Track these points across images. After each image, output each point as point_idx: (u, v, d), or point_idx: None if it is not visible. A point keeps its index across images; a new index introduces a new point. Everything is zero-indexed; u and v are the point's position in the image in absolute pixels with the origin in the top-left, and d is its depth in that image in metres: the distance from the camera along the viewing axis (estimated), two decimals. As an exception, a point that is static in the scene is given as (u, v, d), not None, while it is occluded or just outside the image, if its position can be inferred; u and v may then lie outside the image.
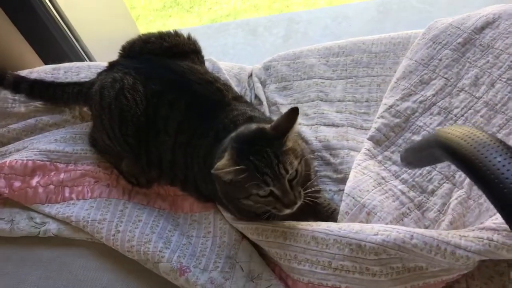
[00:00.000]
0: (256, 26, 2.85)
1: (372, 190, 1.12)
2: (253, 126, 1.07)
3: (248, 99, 1.52)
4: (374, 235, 0.97)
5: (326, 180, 1.29)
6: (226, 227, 1.22)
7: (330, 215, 1.19)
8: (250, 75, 1.62)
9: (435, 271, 0.96)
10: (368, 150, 1.21)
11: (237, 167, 0.98)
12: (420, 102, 1.25)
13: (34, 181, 1.36)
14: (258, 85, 1.56)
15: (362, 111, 1.38)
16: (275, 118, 1.41)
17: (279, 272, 1.12)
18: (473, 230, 0.95)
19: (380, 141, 1.23)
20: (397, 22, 2.51)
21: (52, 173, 1.38)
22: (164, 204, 1.33)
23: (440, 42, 1.30)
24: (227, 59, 1.67)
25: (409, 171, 1.17)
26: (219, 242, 1.20)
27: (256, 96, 1.54)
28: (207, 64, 1.55)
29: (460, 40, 1.28)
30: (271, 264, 1.14)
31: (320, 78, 1.49)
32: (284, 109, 1.46)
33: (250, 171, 0.99)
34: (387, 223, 1.05)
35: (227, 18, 3.23)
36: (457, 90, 1.23)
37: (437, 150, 0.79)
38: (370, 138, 1.23)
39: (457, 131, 0.74)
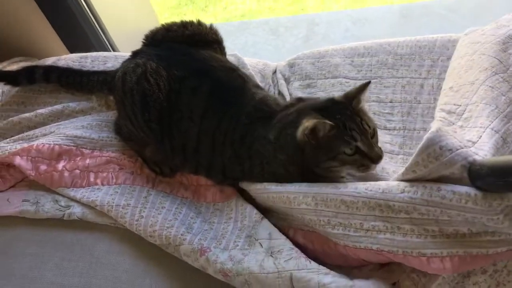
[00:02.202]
0: (277, 26, 2.86)
1: (461, 149, 0.97)
2: (322, 98, 1.18)
3: (271, 95, 1.54)
4: (401, 193, 0.97)
5: (349, 178, 1.29)
6: (247, 211, 1.23)
7: None
8: (274, 72, 1.64)
9: (481, 241, 0.92)
10: (443, 118, 1.10)
11: (331, 123, 1.03)
12: (479, 71, 1.14)
13: (60, 165, 1.39)
14: (282, 81, 1.58)
15: (386, 111, 1.39)
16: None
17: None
18: None
19: (452, 109, 1.12)
20: (419, 27, 2.51)
21: (78, 158, 1.41)
22: (186, 193, 1.36)
23: (479, 41, 1.25)
24: (248, 57, 1.69)
25: None
26: (240, 226, 1.22)
27: (280, 93, 1.56)
28: (232, 59, 1.57)
29: (498, 39, 1.22)
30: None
31: (344, 77, 1.50)
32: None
33: (338, 128, 1.06)
34: None
35: (241, 18, 3.24)
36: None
37: None
38: (441, 110, 1.14)
39: None
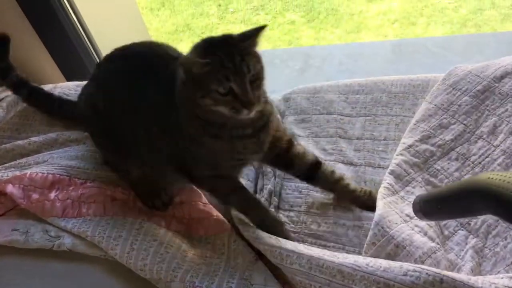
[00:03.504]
0: (273, 57, 2.91)
1: (400, 224, 1.12)
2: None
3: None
4: (403, 275, 0.96)
5: (342, 215, 1.30)
6: (240, 248, 1.23)
7: (368, 196, 1.26)
8: (270, 106, 1.65)
9: None
10: (390, 184, 1.22)
11: (203, 60, 0.98)
12: (439, 146, 1.27)
13: (52, 195, 1.38)
14: (277, 116, 1.59)
15: (380, 149, 1.41)
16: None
17: None
18: (502, 278, 0.96)
19: (401, 175, 1.23)
20: (412, 63, 2.56)
21: (71, 188, 1.40)
22: (179, 226, 1.35)
23: (460, 89, 1.34)
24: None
25: None
26: (233, 264, 1.21)
27: (274, 127, 1.57)
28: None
29: (479, 87, 1.32)
30: None
31: (339, 114, 1.52)
32: (301, 141, 1.49)
33: (214, 64, 0.99)
34: (416, 259, 1.05)
35: (237, 46, 3.29)
36: (475, 138, 1.26)
37: (479, 201, 0.72)
38: (391, 173, 1.25)
39: (505, 177, 0.67)
